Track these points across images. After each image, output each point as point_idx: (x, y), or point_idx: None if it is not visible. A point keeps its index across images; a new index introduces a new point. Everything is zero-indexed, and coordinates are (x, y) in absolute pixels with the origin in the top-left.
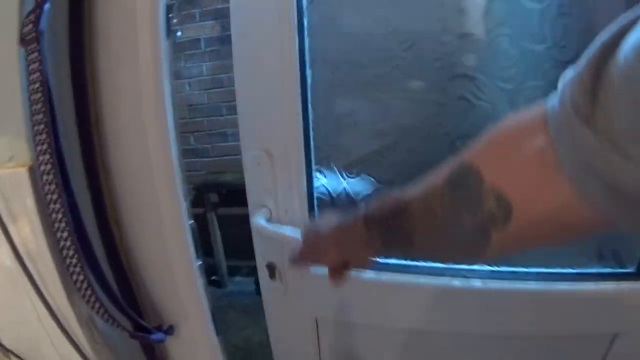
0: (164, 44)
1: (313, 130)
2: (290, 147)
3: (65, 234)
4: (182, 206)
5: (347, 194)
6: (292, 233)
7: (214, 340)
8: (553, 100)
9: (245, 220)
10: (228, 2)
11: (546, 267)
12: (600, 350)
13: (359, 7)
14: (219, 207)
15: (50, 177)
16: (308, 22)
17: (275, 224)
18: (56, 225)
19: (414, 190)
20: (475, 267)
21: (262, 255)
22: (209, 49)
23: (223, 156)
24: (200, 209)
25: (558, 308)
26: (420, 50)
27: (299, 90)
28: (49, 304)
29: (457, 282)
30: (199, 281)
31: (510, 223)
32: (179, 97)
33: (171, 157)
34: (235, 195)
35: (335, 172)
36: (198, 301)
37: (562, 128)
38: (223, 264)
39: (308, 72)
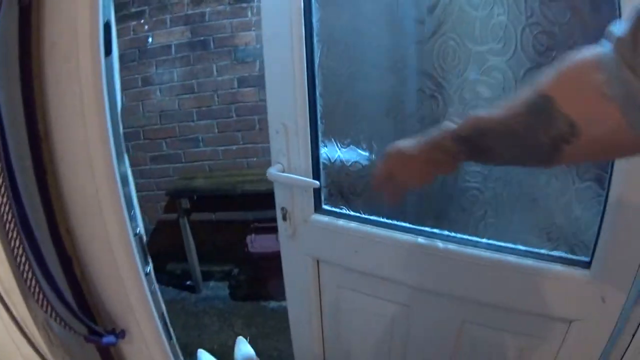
0: (102, 60)
1: (319, 110)
2: (299, 122)
3: (17, 242)
4: (126, 217)
5: (340, 161)
6: (297, 180)
7: (165, 343)
8: (606, 46)
9: (217, 225)
10: (198, 8)
11: (498, 240)
12: (559, 335)
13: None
14: (192, 213)
15: (2, 188)
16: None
17: (286, 173)
18: (9, 234)
19: (495, 113)
20: (437, 230)
21: (278, 201)
22: (179, 55)
23: (195, 162)
24: (174, 215)
25: (511, 281)
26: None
27: (306, 80)
28: (9, 307)
29: (422, 240)
30: (148, 287)
31: (576, 140)
32: (150, 103)
33: (113, 169)
34: (207, 200)
35: (333, 144)
36: (147, 307)
37: (614, 72)
38: (197, 269)
39: (316, 68)
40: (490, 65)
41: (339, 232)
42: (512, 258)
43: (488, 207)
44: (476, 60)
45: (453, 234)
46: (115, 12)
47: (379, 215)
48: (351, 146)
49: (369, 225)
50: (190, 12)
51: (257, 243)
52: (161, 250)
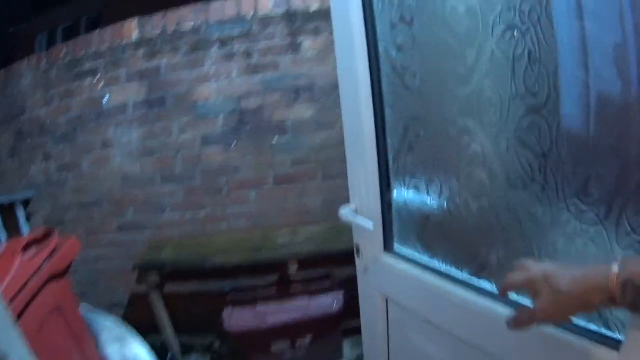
0: None
1: (389, 156)
2: (370, 166)
3: None
4: None
5: (405, 203)
6: (359, 220)
7: None
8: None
9: (192, 297)
10: (153, 60)
11: None
12: None
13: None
14: (165, 285)
15: None
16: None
17: (357, 215)
18: None
19: None
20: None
21: (354, 236)
22: (137, 114)
23: (162, 230)
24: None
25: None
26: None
27: (373, 131)
28: None
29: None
30: None
31: None
32: (111, 167)
33: None
34: (179, 272)
35: (401, 187)
36: None
37: None
38: (175, 343)
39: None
40: None
41: (406, 275)
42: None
43: None
44: None
45: None
46: (69, 69)
47: (455, 266)
48: (420, 190)
49: (437, 275)
50: (145, 66)
51: (234, 319)
52: (140, 322)
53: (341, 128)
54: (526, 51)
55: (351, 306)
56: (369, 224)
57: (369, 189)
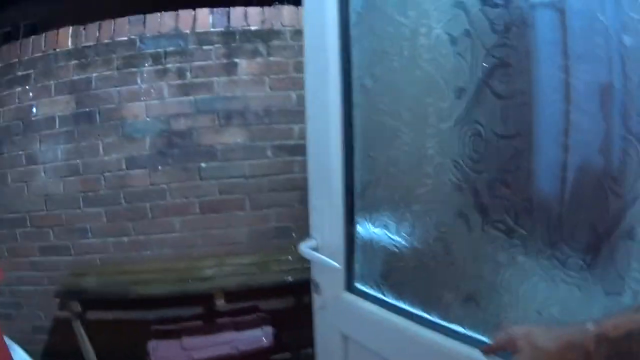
0: None
1: (357, 188)
2: (335, 201)
3: None
4: None
5: (377, 241)
6: (321, 259)
7: None
8: None
9: (115, 325)
10: (84, 72)
11: None
12: None
13: None
14: (87, 311)
15: None
16: None
17: (317, 254)
18: None
19: None
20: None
21: (312, 273)
22: (63, 129)
23: (85, 254)
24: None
25: None
26: None
27: (341, 165)
28: None
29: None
30: None
31: None
32: (35, 185)
33: None
34: (102, 301)
35: (369, 223)
36: None
37: None
38: None
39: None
40: None
41: (369, 314)
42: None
43: None
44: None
45: None
46: (3, 75)
47: (421, 308)
48: (386, 228)
49: (398, 315)
50: (75, 77)
51: (159, 353)
52: (64, 349)
53: (272, 156)
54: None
55: (280, 340)
56: (332, 263)
57: (332, 224)
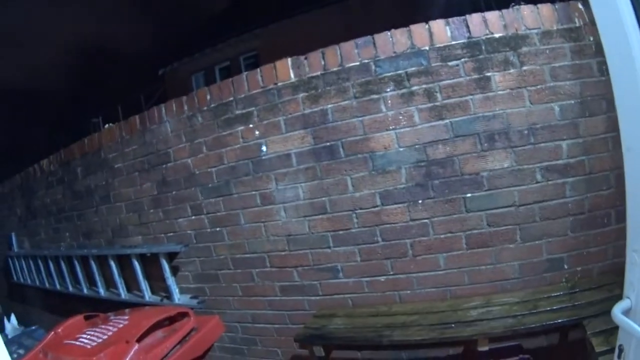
0: None
1: None
2: None
3: None
4: None
5: None
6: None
7: None
8: None
9: None
10: (316, 105)
11: None
12: None
13: None
14: (332, 350)
15: None
16: None
17: (631, 322)
18: None
19: None
20: None
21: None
22: (302, 166)
23: (334, 295)
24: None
25: None
26: None
27: None
28: None
29: None
30: None
31: None
32: (274, 225)
33: None
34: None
35: None
36: None
37: None
38: None
39: None
40: None
41: None
42: None
43: None
44: None
45: None
46: (219, 115)
47: None
48: None
49: None
50: (307, 110)
51: None
52: None
53: (541, 179)
54: None
55: None
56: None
57: None
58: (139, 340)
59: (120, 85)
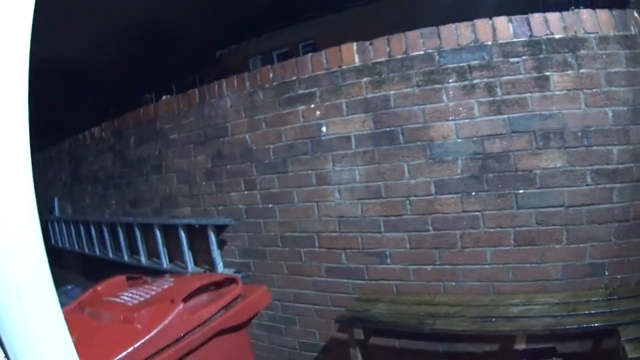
0: None
1: None
2: None
3: None
4: None
5: None
6: None
7: None
8: None
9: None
10: (380, 91)
11: None
12: None
13: None
14: (370, 337)
15: None
16: None
17: None
18: None
19: None
20: None
21: None
22: (360, 149)
23: (380, 280)
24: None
25: None
26: None
27: None
28: None
29: None
30: None
31: None
32: (327, 206)
33: None
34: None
35: None
36: None
37: None
38: None
39: None
40: None
41: None
42: None
43: None
44: None
45: None
46: (281, 93)
47: None
48: None
49: None
50: (370, 95)
51: None
52: None
53: (591, 182)
54: None
55: None
56: None
57: None
58: (184, 301)
59: (176, 65)
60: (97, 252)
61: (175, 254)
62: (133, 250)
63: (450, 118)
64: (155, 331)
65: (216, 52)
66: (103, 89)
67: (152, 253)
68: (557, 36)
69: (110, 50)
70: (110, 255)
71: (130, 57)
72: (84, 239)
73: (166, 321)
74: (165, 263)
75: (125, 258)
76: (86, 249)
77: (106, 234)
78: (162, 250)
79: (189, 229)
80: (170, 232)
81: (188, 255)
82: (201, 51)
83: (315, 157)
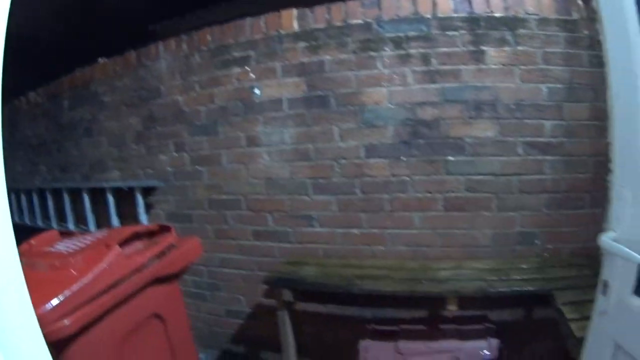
0: None
1: None
2: None
3: None
4: None
5: None
6: (621, 251)
7: None
8: None
9: (326, 319)
10: (315, 56)
11: None
12: None
13: None
14: (296, 302)
15: None
16: None
17: (620, 245)
18: None
19: None
20: None
21: (603, 273)
22: (292, 112)
23: (307, 243)
24: (274, 301)
25: None
26: None
27: None
28: None
29: None
30: None
31: None
32: (256, 168)
33: None
34: (317, 293)
35: None
36: None
37: None
38: None
39: None
40: None
41: None
42: None
43: None
44: None
45: None
46: (217, 56)
47: None
48: None
49: None
50: (305, 59)
51: (371, 352)
52: (257, 336)
53: (522, 153)
54: None
55: (502, 354)
56: (629, 254)
57: (637, 215)
58: (120, 246)
59: (110, 39)
60: (27, 221)
61: (103, 220)
62: (61, 217)
63: (384, 84)
64: (91, 275)
65: (149, 27)
66: (40, 64)
67: (80, 220)
68: (497, 15)
69: (46, 24)
70: (39, 222)
71: (66, 32)
72: (13, 207)
73: (102, 265)
74: (93, 230)
75: (54, 225)
76: (16, 218)
77: (35, 201)
78: (90, 217)
79: (117, 193)
80: (98, 198)
81: (116, 220)
82: (134, 25)
83: (246, 119)
